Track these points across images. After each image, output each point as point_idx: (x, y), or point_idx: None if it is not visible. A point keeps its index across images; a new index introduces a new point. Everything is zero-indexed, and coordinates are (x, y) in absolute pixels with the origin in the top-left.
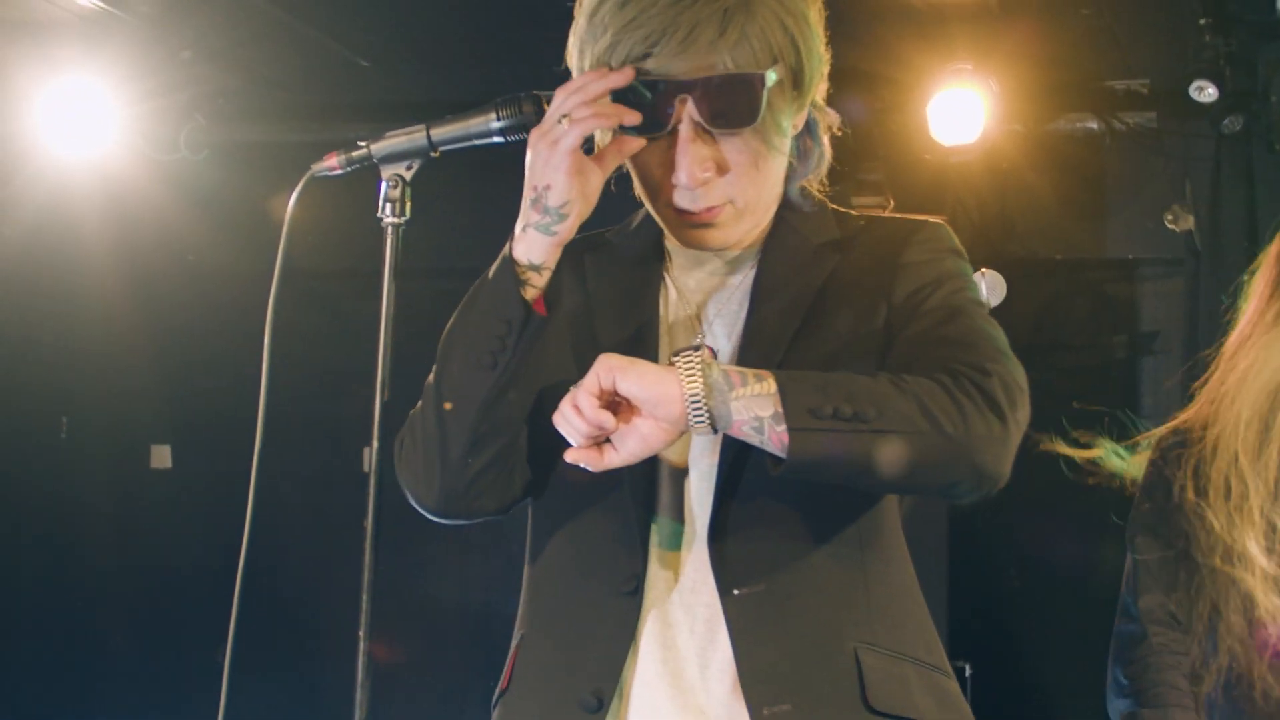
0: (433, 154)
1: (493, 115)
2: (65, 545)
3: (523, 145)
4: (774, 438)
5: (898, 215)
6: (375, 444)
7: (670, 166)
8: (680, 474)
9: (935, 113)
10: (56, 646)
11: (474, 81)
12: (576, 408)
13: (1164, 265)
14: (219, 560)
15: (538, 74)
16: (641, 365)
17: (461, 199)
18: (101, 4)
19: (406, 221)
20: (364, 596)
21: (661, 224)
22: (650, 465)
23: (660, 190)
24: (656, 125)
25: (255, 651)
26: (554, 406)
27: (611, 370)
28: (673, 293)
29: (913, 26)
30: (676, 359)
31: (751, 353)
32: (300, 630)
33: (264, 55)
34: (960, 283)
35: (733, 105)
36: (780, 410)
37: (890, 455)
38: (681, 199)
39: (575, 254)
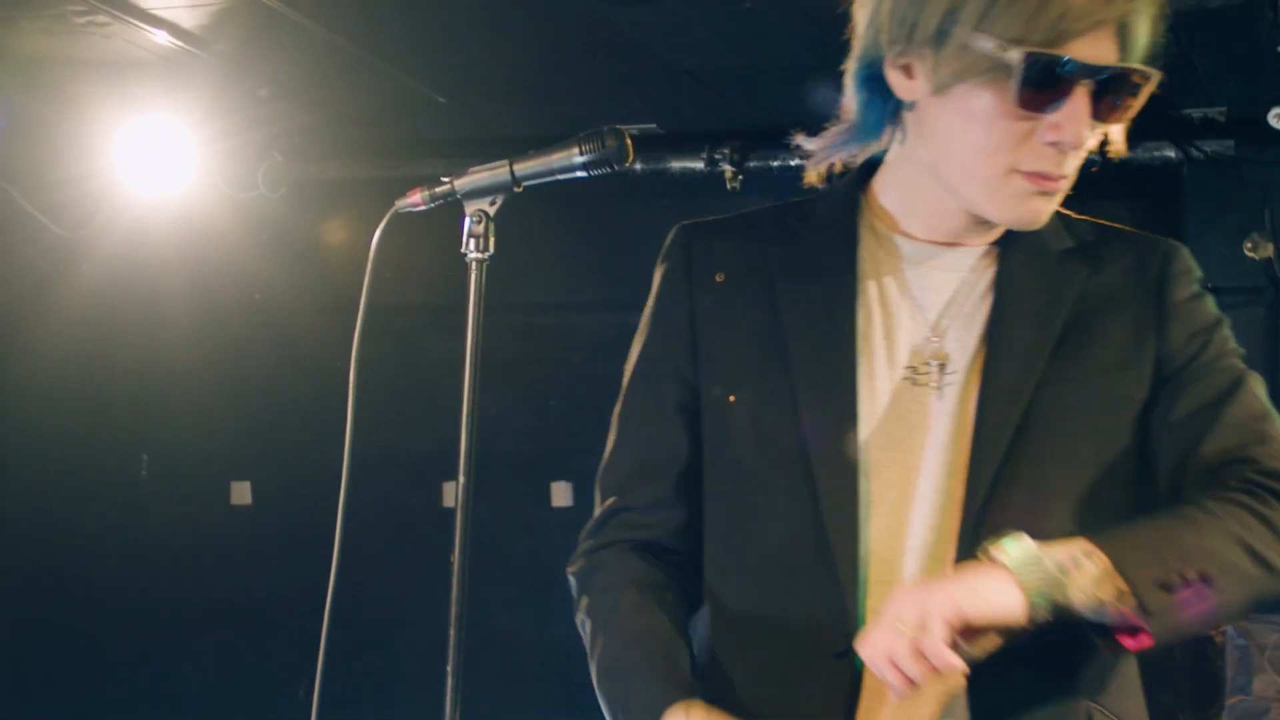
0: (516, 189)
1: (575, 150)
2: (146, 583)
3: (604, 179)
4: (1120, 614)
5: (1129, 229)
6: (461, 479)
7: (1032, 132)
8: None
9: None
10: (140, 684)
11: (550, 117)
12: (918, 653)
13: (1244, 294)
14: (300, 596)
15: (612, 108)
16: (975, 586)
17: (541, 232)
18: (180, 43)
19: (490, 256)
20: (451, 632)
21: (978, 195)
22: (851, 507)
23: (1010, 151)
24: (1044, 102)
25: (339, 688)
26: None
27: (955, 605)
28: (889, 288)
29: None
30: (996, 554)
31: (1004, 362)
32: (385, 666)
33: (341, 92)
34: (1228, 335)
35: (1124, 99)
36: (1125, 589)
37: (1234, 609)
38: (1043, 160)
39: (756, 253)
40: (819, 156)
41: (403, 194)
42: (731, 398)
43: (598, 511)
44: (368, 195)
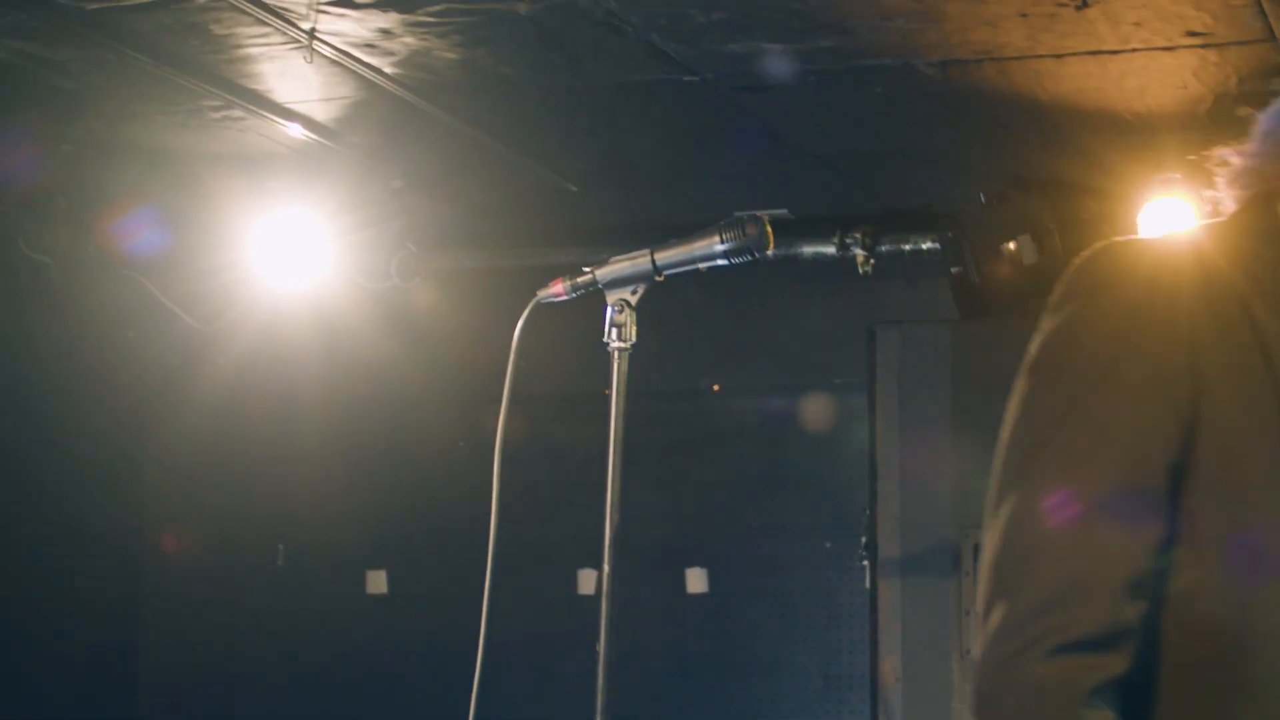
0: (657, 278)
1: (716, 238)
2: (285, 671)
3: (744, 267)
4: None
5: None
6: (606, 567)
7: None
8: None
9: (1146, 222)
10: None
11: (681, 203)
12: None
13: None
14: (439, 684)
15: (743, 193)
16: None
17: (672, 318)
18: (314, 136)
19: (633, 345)
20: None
21: None
22: None
23: None
24: None
25: None
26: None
27: None
28: None
29: (1122, 137)
30: None
31: None
32: None
33: (474, 183)
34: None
35: None
36: None
37: None
38: None
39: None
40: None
41: (536, 282)
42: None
43: (1011, 627)
44: (501, 284)
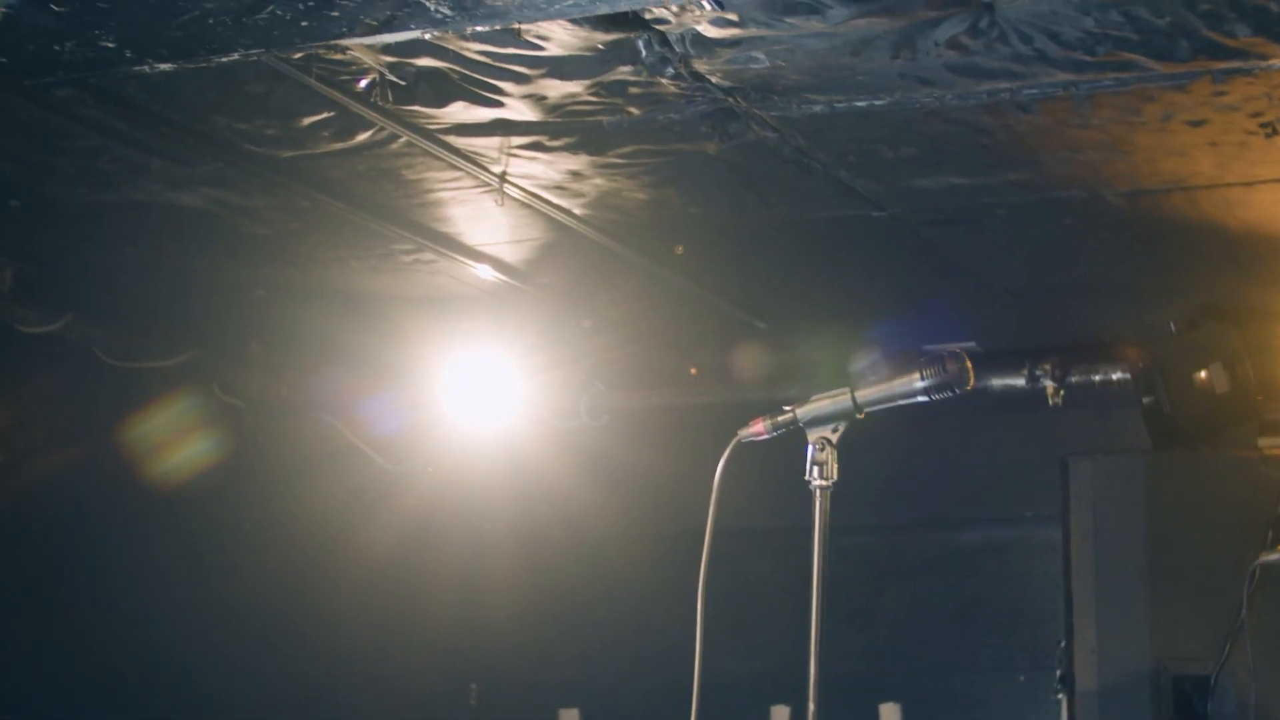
0: (858, 415)
1: (917, 375)
2: None
3: (942, 404)
4: None
5: None
6: (812, 706)
7: None
8: None
9: None
10: None
11: (863, 338)
12: None
13: None
14: None
15: (931, 327)
16: None
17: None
18: (504, 277)
19: (834, 483)
20: None
21: None
22: None
23: None
24: None
25: None
26: None
27: None
28: None
29: None
30: None
31: None
32: None
33: (662, 321)
34: None
35: None
36: None
37: None
38: None
39: None
40: None
41: (724, 419)
42: None
43: None
44: (690, 421)
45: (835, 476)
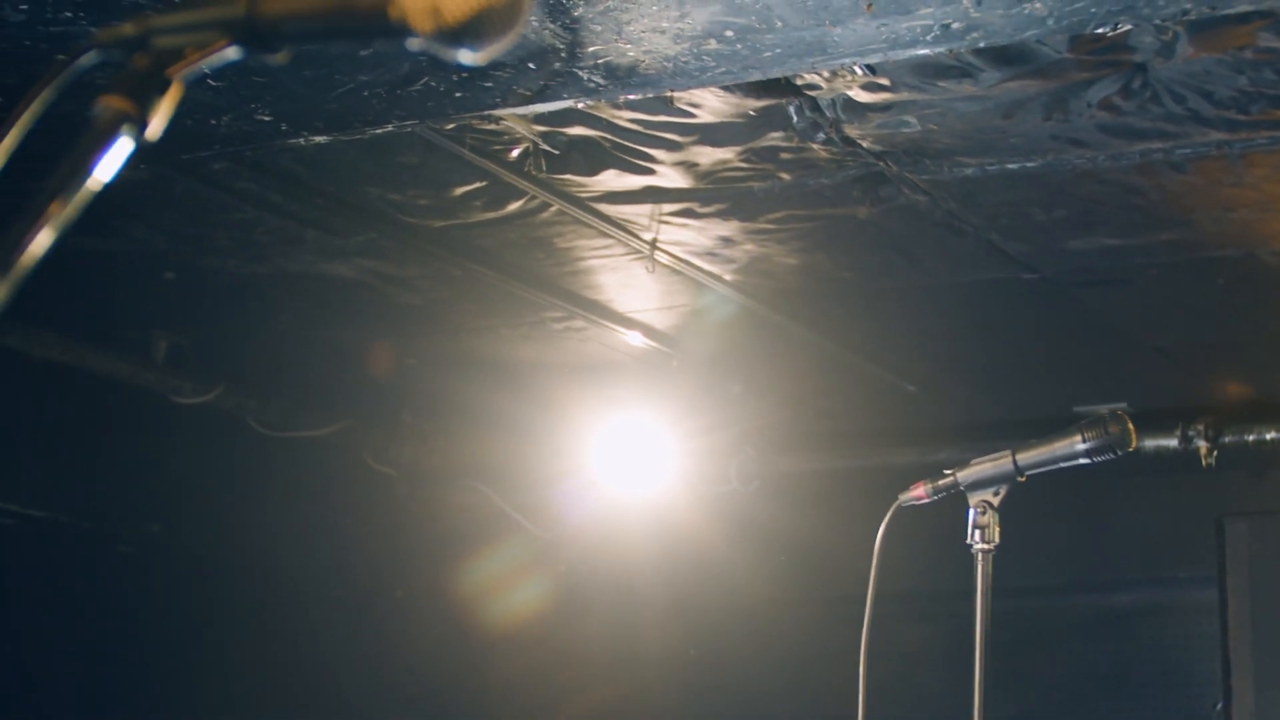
0: (1019, 479)
1: (1078, 438)
2: None
3: (1103, 465)
4: None
5: None
6: None
7: None
8: None
9: None
10: None
11: (1019, 400)
12: None
13: None
14: None
15: (1081, 389)
16: None
17: (1009, 513)
18: (654, 344)
19: (996, 547)
20: None
21: None
22: None
23: None
24: None
25: None
26: None
27: None
28: None
29: None
30: None
31: None
32: None
33: (812, 386)
34: None
35: None
36: None
37: None
38: None
39: None
40: None
41: (876, 483)
42: None
43: None
44: (841, 486)
45: (997, 540)
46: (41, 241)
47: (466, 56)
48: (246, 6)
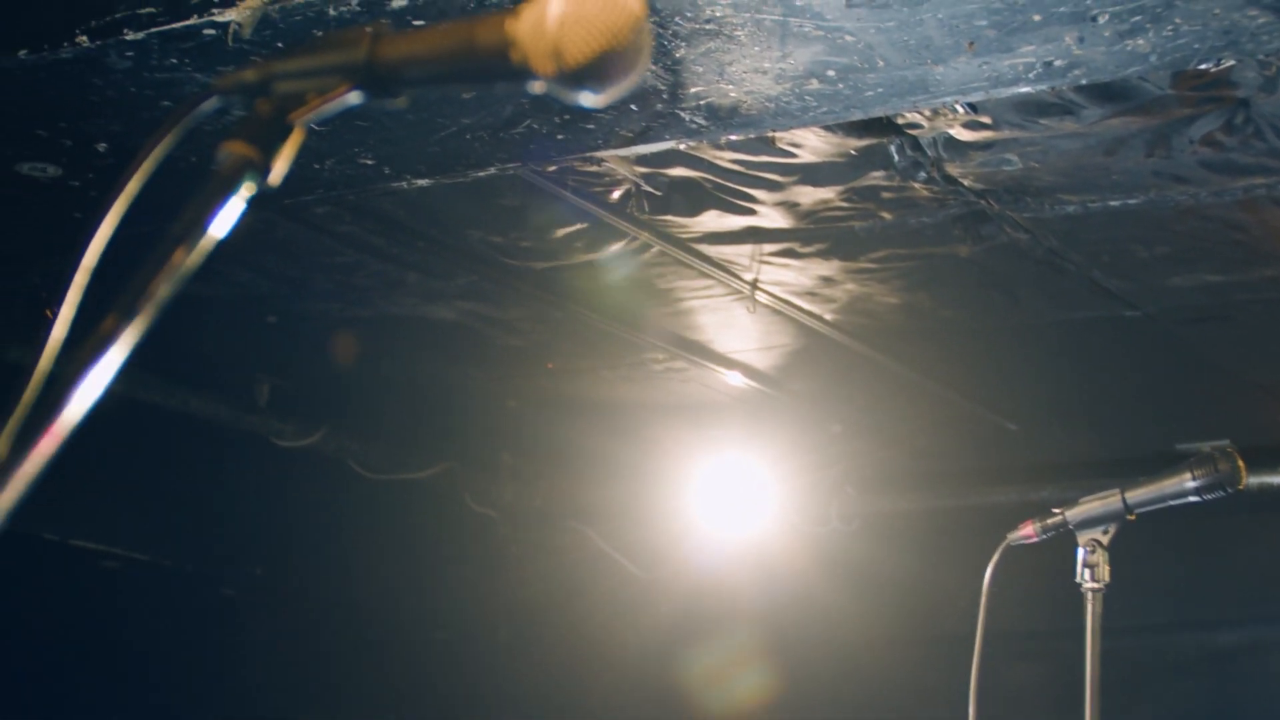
0: (1129, 517)
1: (1187, 475)
2: None
3: (1209, 502)
4: None
5: None
6: None
7: None
8: None
9: None
10: None
11: (1118, 438)
12: None
13: None
14: None
15: (1182, 426)
16: None
17: (1115, 550)
18: (754, 384)
19: (1107, 586)
20: None
21: None
22: None
23: None
24: None
25: None
26: None
27: None
28: None
29: None
30: None
31: None
32: None
33: (912, 425)
34: None
35: None
36: None
37: None
38: None
39: None
40: None
41: (976, 522)
42: None
43: None
44: (942, 525)
45: (1107, 579)
46: (166, 288)
47: (588, 99)
48: (367, 51)
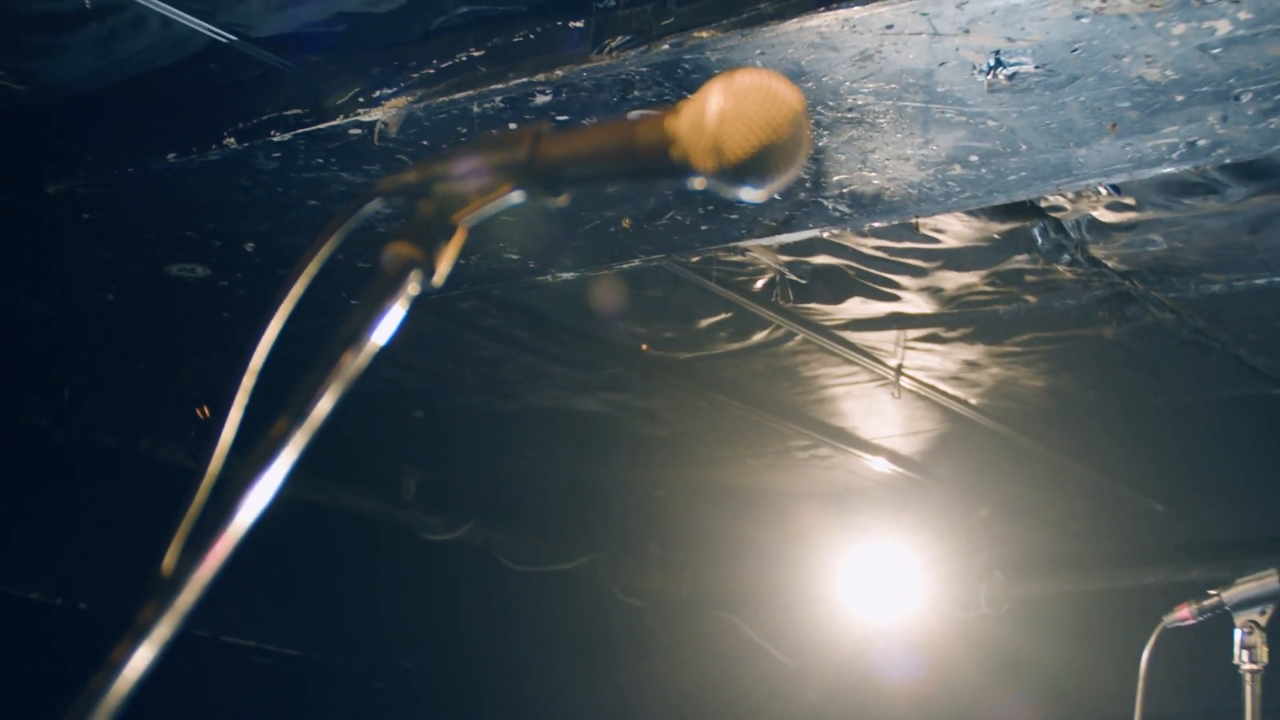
0: None
1: None
2: None
3: None
4: None
5: None
6: None
7: None
8: None
9: None
10: None
11: (1269, 516)
12: None
13: None
14: None
15: None
16: None
17: None
18: (900, 469)
19: (1265, 667)
20: None
21: None
22: None
23: None
24: None
25: None
26: None
27: None
28: None
29: None
30: None
31: None
32: None
33: (1060, 508)
34: None
35: None
36: None
37: None
38: None
39: None
40: None
41: (1126, 604)
42: None
43: None
44: (1091, 607)
45: (1265, 660)
46: (335, 391)
47: (749, 194)
48: (529, 151)
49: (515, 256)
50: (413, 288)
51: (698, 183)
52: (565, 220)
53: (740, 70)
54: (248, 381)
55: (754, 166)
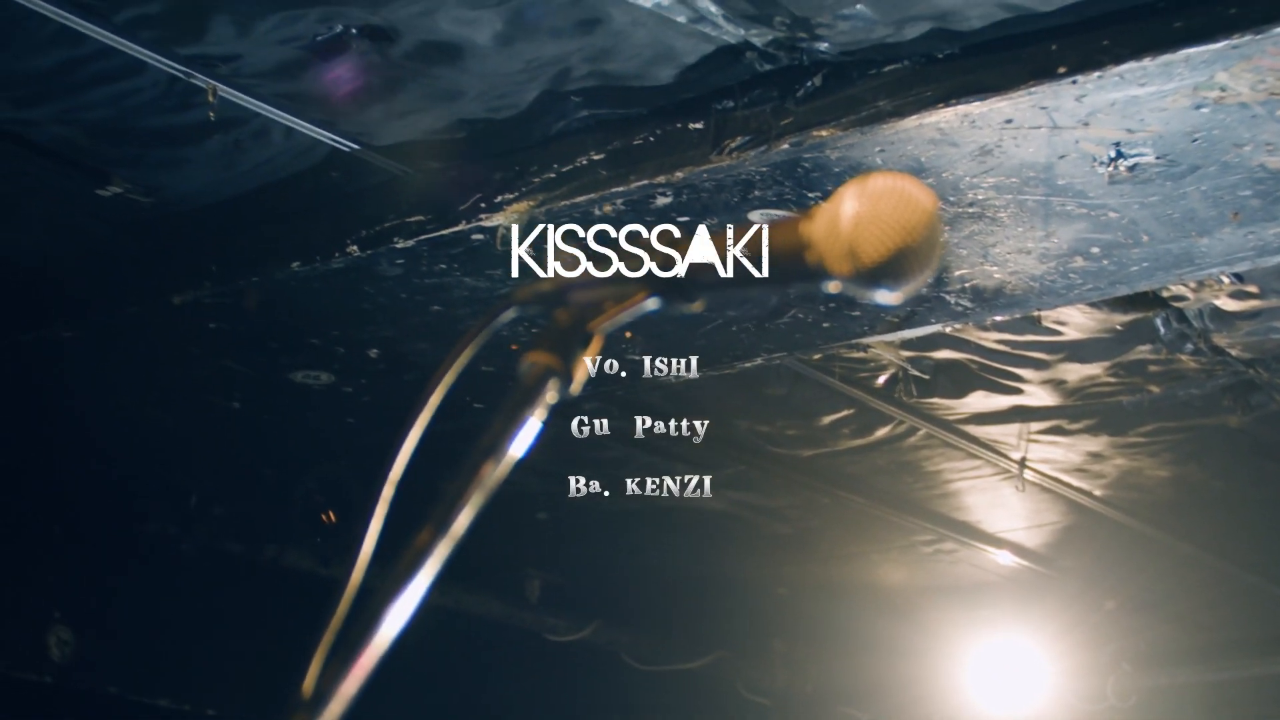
0: None
1: None
2: None
3: None
4: None
5: None
6: None
7: None
8: None
9: None
10: None
11: None
12: None
13: None
14: None
15: None
16: None
17: None
18: (1024, 562)
19: None
20: None
21: None
22: None
23: None
24: None
25: None
26: None
27: None
28: None
29: None
30: None
31: None
32: None
33: (1187, 598)
34: None
35: None
36: None
37: None
38: None
39: None
40: None
41: (1259, 694)
42: None
43: None
44: (1222, 698)
45: None
46: (477, 501)
47: (884, 297)
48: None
49: (637, 358)
50: (551, 396)
51: (833, 286)
52: (687, 321)
53: (873, 174)
54: (388, 491)
55: (890, 270)
